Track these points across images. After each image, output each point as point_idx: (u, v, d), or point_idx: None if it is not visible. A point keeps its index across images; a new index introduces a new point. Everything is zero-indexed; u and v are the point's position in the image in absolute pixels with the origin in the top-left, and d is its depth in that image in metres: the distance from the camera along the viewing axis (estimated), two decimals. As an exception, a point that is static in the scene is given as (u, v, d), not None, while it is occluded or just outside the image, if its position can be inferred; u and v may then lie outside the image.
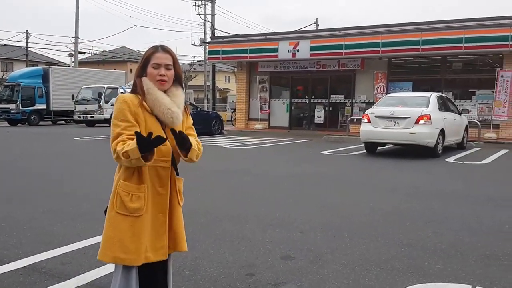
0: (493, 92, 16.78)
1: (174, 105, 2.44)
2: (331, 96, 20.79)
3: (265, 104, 21.99)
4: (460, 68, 18.55)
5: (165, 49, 2.46)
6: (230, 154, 12.58)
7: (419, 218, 5.64)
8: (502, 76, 16.52)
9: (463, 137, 13.83)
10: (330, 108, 20.86)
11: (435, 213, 5.98)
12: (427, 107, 11.52)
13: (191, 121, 2.64)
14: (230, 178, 8.54)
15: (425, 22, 18.11)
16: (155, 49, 2.47)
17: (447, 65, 18.54)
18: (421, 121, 11.11)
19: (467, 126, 14.09)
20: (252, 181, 8.21)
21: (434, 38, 17.14)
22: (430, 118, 11.20)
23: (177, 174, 2.59)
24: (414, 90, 17.36)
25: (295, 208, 6.08)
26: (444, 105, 12.66)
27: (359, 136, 12.52)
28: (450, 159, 11.38)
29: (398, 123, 11.36)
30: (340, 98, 20.67)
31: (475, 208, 6.28)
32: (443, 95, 13.89)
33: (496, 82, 16.56)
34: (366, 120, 11.92)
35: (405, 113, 11.39)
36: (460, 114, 13.50)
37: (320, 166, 10.28)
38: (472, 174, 9.28)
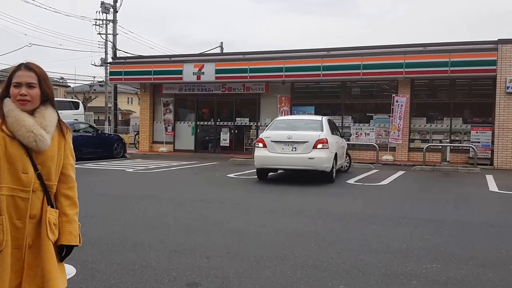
0: (389, 116, 17.91)
1: (39, 127, 2.22)
2: (237, 119, 20.98)
3: (169, 126, 21.63)
4: (359, 93, 19.57)
5: (28, 67, 2.27)
6: (133, 179, 12.10)
7: (323, 240, 5.74)
8: (397, 101, 17.70)
9: (346, 161, 14.00)
10: (236, 131, 21.02)
11: (338, 234, 6.13)
12: (322, 130, 11.33)
13: (70, 146, 2.40)
14: (133, 204, 8.16)
15: (326, 48, 18.94)
16: (17, 68, 2.28)
17: (346, 90, 19.49)
18: (319, 146, 10.82)
19: (347, 149, 14.29)
20: (157, 207, 7.92)
21: (334, 64, 18.01)
22: (327, 142, 11.01)
23: (51, 205, 2.31)
24: (316, 114, 17.95)
25: (201, 233, 5.92)
26: (333, 128, 12.74)
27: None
28: (351, 181, 11.86)
29: (295, 148, 10.88)
30: (245, 121, 20.93)
31: (375, 228, 6.53)
32: (330, 118, 14.11)
33: (392, 107, 17.71)
34: (261, 145, 11.21)
35: (303, 137, 10.96)
36: (342, 136, 13.51)
37: (226, 190, 10.21)
38: (372, 195, 9.72)
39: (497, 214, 7.75)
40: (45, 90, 2.28)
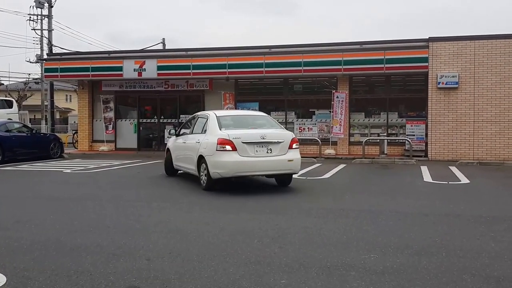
0: (330, 111, 18.32)
1: None
2: (181, 116, 20.70)
3: (110, 124, 21.06)
4: (301, 89, 19.84)
5: None
6: (70, 180, 11.66)
7: (266, 235, 5.76)
8: (337, 97, 18.15)
9: None
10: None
11: (281, 228, 6.16)
12: (280, 127, 10.22)
13: None
14: (70, 206, 7.85)
15: (267, 46, 19.07)
16: None
17: (289, 86, 19.72)
18: (294, 145, 9.57)
19: None
20: (96, 208, 7.66)
21: (276, 61, 18.21)
22: (298, 141, 9.91)
23: None
24: (260, 110, 17.99)
25: (142, 235, 5.78)
26: None
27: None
28: (295, 176, 11.95)
29: (270, 150, 9.22)
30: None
31: (317, 221, 6.62)
32: None
33: (332, 102, 18.14)
34: (229, 148, 9.02)
35: (278, 136, 9.44)
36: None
37: (169, 189, 10.05)
38: (313, 189, 9.87)
39: (431, 204, 8.06)
40: None
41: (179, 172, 11.96)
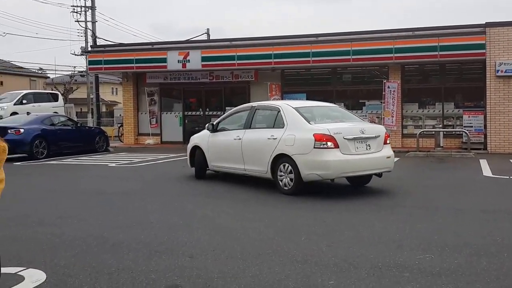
0: (382, 102, 17.68)
1: None
2: (226, 108, 20.57)
3: (153, 118, 21.16)
4: (350, 79, 19.25)
5: None
6: (115, 174, 11.71)
7: (313, 232, 5.48)
8: (388, 87, 17.47)
9: None
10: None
11: (329, 225, 5.88)
12: (360, 120, 9.32)
13: None
14: (113, 201, 7.82)
15: (314, 34, 18.60)
16: None
17: (337, 76, 19.18)
18: (388, 140, 8.68)
19: None
20: (140, 203, 7.57)
21: (324, 50, 17.63)
22: (389, 136, 8.97)
23: None
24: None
25: (186, 231, 5.61)
26: None
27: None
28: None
29: (369, 146, 8.14)
30: (235, 110, 20.53)
31: (366, 217, 6.29)
32: None
33: (383, 92, 17.47)
34: (331, 145, 7.74)
35: (375, 130, 8.47)
36: None
37: (214, 183, 9.82)
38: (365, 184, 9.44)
39: (491, 200, 7.55)
40: None
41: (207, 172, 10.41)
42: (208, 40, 28.37)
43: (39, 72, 48.72)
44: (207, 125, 10.47)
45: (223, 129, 9.87)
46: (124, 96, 22.35)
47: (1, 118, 19.18)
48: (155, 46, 21.10)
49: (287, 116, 8.50)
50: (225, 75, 20.08)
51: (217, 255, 4.62)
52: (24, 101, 23.95)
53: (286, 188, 8.17)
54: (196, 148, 10.32)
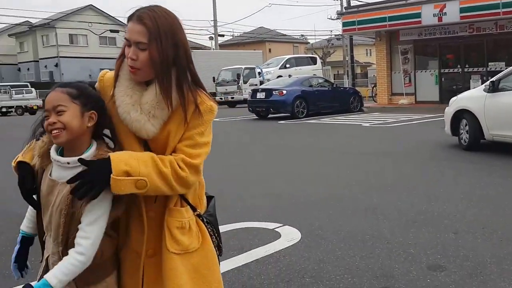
0: None
1: (136, 108, 1.54)
2: (489, 64, 18.23)
3: (406, 77, 20.24)
4: None
5: (139, 18, 1.51)
6: (369, 134, 11.49)
7: None
8: None
9: None
10: (489, 78, 18.23)
11: None
12: None
13: (190, 133, 1.56)
14: (366, 162, 7.56)
15: None
16: (128, 18, 1.55)
17: None
18: None
19: None
20: (393, 165, 7.14)
21: None
22: None
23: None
24: None
25: (447, 201, 4.94)
26: None
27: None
28: None
29: None
30: (501, 65, 17.88)
31: None
32: None
33: None
34: None
35: None
36: None
37: (484, 149, 8.19)
38: None
39: None
40: (154, 55, 1.50)
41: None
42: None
43: (301, 38, 53.71)
44: (484, 84, 8.63)
45: (504, 89, 7.76)
46: (377, 56, 22.25)
47: (268, 81, 21.21)
48: (408, 1, 19.91)
49: None
50: (487, 27, 17.79)
51: (487, 235, 3.89)
52: (287, 65, 26.79)
53: None
54: (462, 112, 8.39)
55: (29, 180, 1.56)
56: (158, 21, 1.50)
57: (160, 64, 1.51)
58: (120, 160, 1.44)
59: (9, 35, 51.30)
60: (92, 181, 1.43)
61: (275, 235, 4.06)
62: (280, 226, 4.27)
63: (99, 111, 1.56)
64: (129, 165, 1.43)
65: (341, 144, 9.83)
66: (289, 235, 4.03)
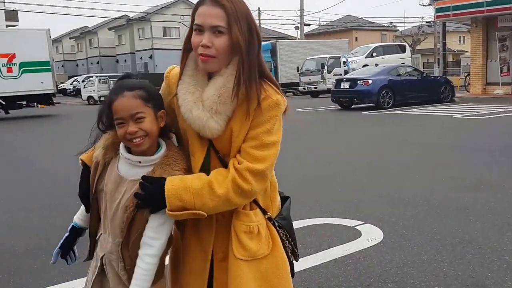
0: None
1: (198, 105, 1.42)
2: None
3: (504, 66, 18.81)
4: None
5: (215, 0, 1.38)
6: (461, 126, 10.77)
7: None
8: None
9: None
10: None
11: None
12: None
13: (255, 131, 1.43)
14: (458, 157, 7.08)
15: None
16: (198, 3, 1.43)
17: None
18: None
19: None
20: (489, 162, 6.59)
21: None
22: None
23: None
24: None
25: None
26: None
27: None
28: None
29: None
30: None
31: None
32: None
33: None
34: None
35: None
36: None
37: None
38: None
39: None
40: (237, 39, 1.39)
41: None
42: None
43: (390, 26, 51.95)
44: None
45: None
46: (472, 43, 21.04)
47: (353, 70, 20.71)
48: (510, -17, 18.48)
49: None
50: None
51: None
52: (374, 54, 26.12)
53: None
54: None
55: (83, 184, 1.58)
56: (234, 3, 1.39)
57: (240, 49, 1.40)
58: (175, 196, 1.39)
59: (109, 29, 54.52)
60: (153, 200, 1.41)
61: (356, 234, 3.88)
62: (361, 224, 4.09)
63: (164, 108, 1.52)
64: (183, 200, 1.39)
65: (430, 137, 9.30)
66: (371, 234, 3.83)
